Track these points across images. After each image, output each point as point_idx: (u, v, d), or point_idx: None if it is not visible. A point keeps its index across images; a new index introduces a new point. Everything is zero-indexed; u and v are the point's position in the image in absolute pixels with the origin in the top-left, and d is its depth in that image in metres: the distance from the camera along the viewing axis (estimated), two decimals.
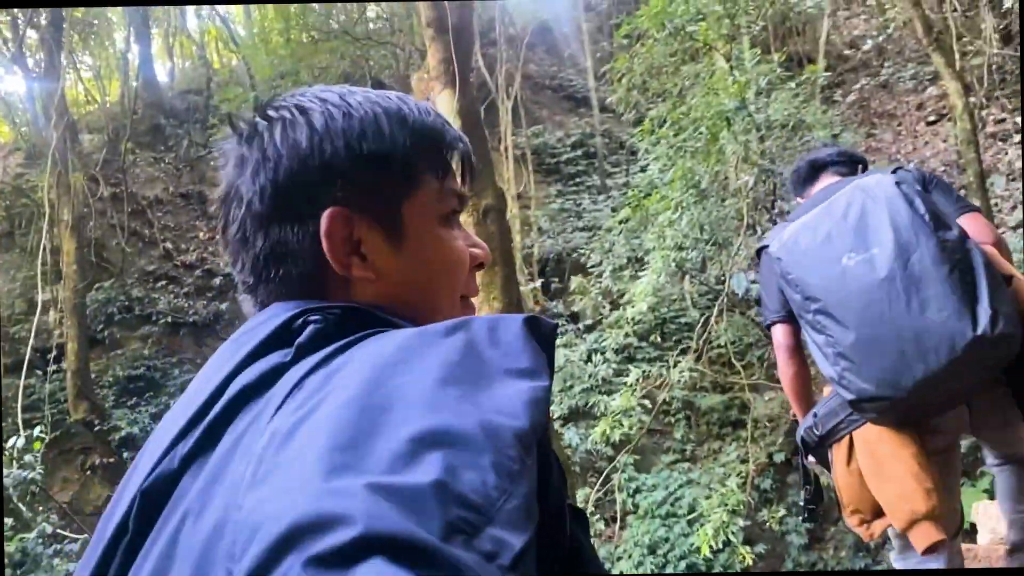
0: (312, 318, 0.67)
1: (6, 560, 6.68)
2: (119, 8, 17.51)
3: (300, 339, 0.65)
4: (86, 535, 8.35)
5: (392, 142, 0.81)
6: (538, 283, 12.53)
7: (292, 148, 0.78)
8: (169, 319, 13.84)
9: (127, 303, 13.75)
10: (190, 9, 19.53)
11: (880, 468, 2.15)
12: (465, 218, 5.38)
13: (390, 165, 0.81)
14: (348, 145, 0.78)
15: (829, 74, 11.94)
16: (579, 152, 15.87)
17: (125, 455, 11.63)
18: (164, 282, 14.63)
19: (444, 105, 5.47)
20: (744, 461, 9.73)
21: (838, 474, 2.29)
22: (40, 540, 6.90)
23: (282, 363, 0.63)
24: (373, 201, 0.79)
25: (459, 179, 0.88)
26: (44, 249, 12.19)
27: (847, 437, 2.27)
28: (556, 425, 10.37)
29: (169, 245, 15.42)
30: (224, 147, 0.84)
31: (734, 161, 7.49)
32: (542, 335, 0.62)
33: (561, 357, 10.09)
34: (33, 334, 11.35)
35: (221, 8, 18.03)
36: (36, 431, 7.21)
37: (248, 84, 15.75)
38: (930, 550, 2.06)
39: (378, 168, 0.80)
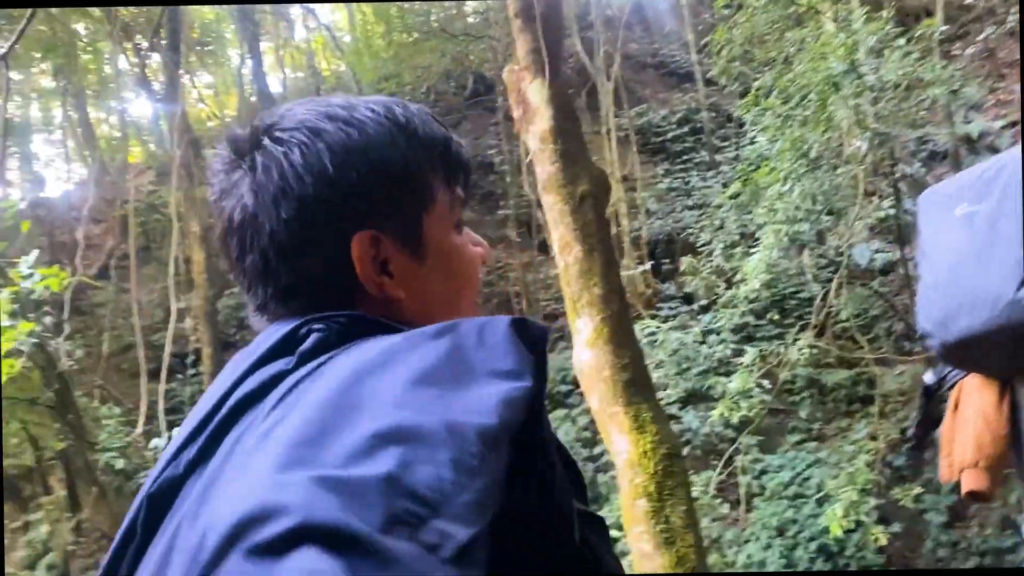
0: (316, 327, 0.69)
1: None
2: (231, 27, 18.37)
3: (303, 347, 0.67)
4: None
5: (407, 157, 0.80)
6: (648, 266, 12.36)
7: (318, 175, 0.75)
8: None
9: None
10: (298, 21, 20.28)
11: (961, 412, 2.20)
12: (561, 206, 5.36)
13: (409, 181, 0.81)
14: (370, 165, 0.77)
15: (947, 27, 11.17)
16: (685, 129, 15.53)
17: None
18: None
19: (536, 95, 5.46)
20: (874, 438, 9.33)
21: (944, 420, 2.28)
22: None
23: (283, 370, 0.65)
24: (396, 220, 0.80)
25: (465, 178, 0.90)
26: (176, 260, 12.98)
27: (958, 384, 2.29)
28: (674, 409, 10.22)
29: None
30: (230, 174, 0.81)
31: (845, 127, 7.14)
32: (531, 337, 0.63)
33: (674, 340, 9.92)
34: (170, 341, 12.11)
35: (325, 18, 18.64)
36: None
37: (355, 89, 16.21)
38: (973, 496, 2.11)
39: (398, 186, 0.80)
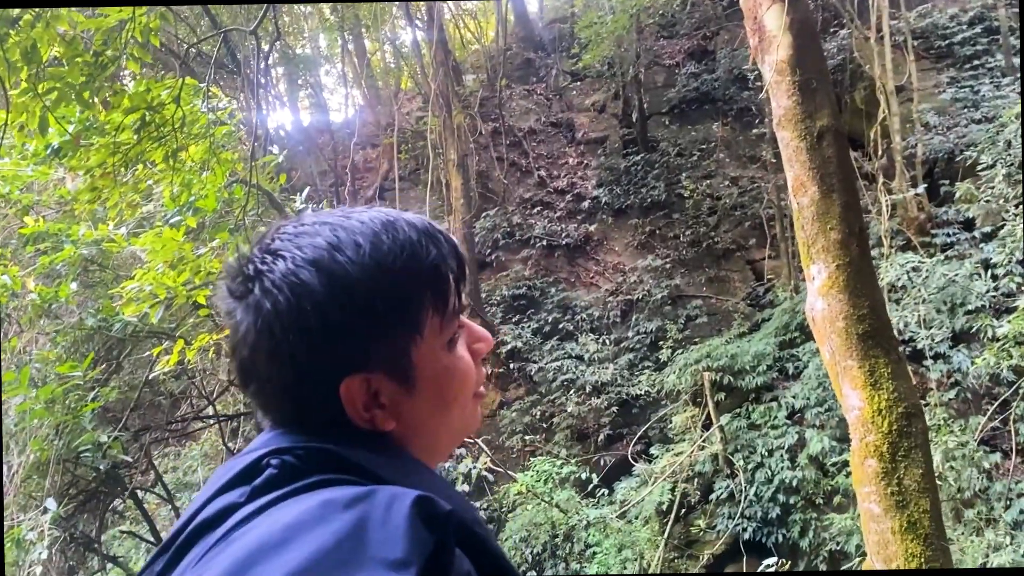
0: (272, 461, 0.76)
1: None
2: None
3: (255, 482, 0.75)
4: (478, 439, 9.59)
5: (400, 291, 0.84)
6: (921, 188, 11.17)
7: (303, 331, 0.80)
8: (545, 242, 14.95)
9: (509, 229, 15.12)
10: None
11: None
12: (797, 143, 5.02)
13: (394, 318, 0.84)
14: (355, 310, 0.81)
15: None
16: (977, 29, 13.59)
17: (512, 366, 13.02)
18: (539, 208, 15.78)
19: (773, 21, 5.09)
20: None
21: None
22: None
23: (235, 503, 0.74)
24: (384, 356, 0.84)
25: (456, 296, 0.90)
26: (435, 185, 13.86)
27: None
28: (943, 348, 9.33)
29: (543, 173, 16.51)
30: (232, 315, 0.85)
31: None
32: (431, 516, 0.66)
33: (940, 275, 8.96)
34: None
35: None
36: None
37: (606, 7, 15.96)
38: None
39: (384, 326, 0.83)
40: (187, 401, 10.04)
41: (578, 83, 18.69)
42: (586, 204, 15.62)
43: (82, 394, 6.61)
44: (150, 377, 7.51)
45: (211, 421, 9.64)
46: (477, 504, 10.30)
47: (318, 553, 0.61)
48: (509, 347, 13.02)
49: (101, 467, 7.25)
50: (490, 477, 9.61)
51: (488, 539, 0.76)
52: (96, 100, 4.77)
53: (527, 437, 12.08)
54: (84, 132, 5.23)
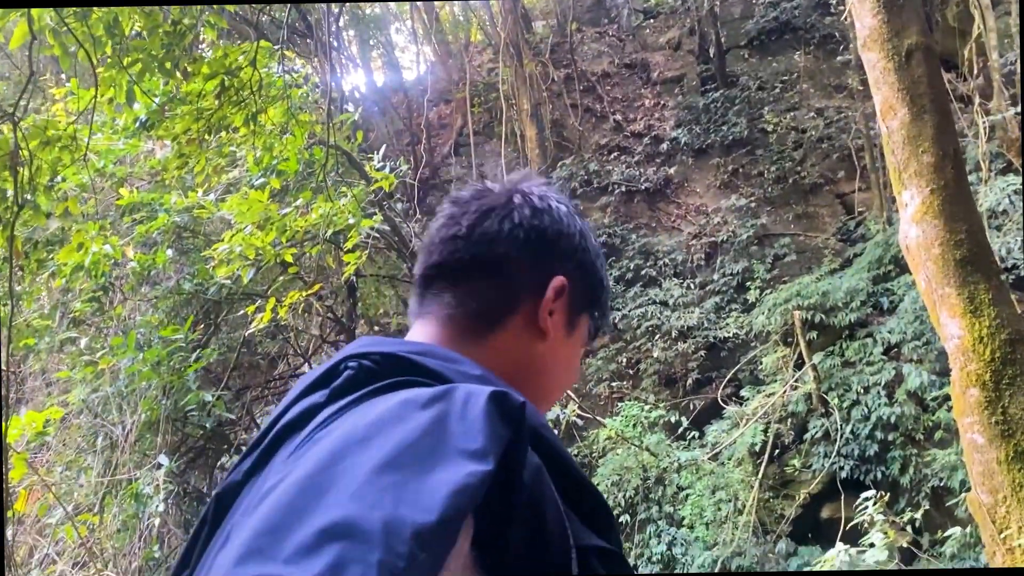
0: (350, 364, 0.81)
1: None
2: None
3: (334, 383, 0.80)
4: None
5: (593, 260, 1.08)
6: (1021, 107, 10.50)
7: (554, 217, 1.04)
8: (623, 188, 14.74)
9: (586, 177, 14.95)
10: None
11: None
12: (885, 63, 4.79)
13: (588, 278, 1.05)
14: (588, 249, 1.07)
15: None
16: None
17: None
18: (616, 153, 15.53)
19: None
20: None
21: None
22: None
23: (317, 403, 0.79)
24: (574, 293, 1.03)
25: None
26: (512, 136, 13.80)
27: None
28: None
29: (619, 117, 16.21)
30: (481, 203, 1.04)
31: None
32: (507, 410, 0.69)
33: None
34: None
35: None
36: None
37: None
38: None
39: (584, 274, 1.05)
40: (283, 360, 10.42)
41: (651, 21, 18.18)
42: (664, 146, 15.28)
43: (185, 356, 6.94)
44: (247, 336, 7.82)
45: None
46: (569, 450, 10.40)
47: (402, 445, 0.64)
48: None
49: (207, 425, 7.63)
50: (579, 423, 9.67)
51: (554, 441, 0.79)
52: (178, 70, 4.91)
53: (614, 384, 12.08)
54: (168, 103, 5.41)
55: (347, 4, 15.43)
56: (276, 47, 5.81)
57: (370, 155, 7.78)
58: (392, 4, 23.20)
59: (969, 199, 4.87)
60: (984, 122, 10.19)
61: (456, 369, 0.83)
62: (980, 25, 11.26)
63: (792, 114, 14.58)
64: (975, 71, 11.48)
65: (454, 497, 0.60)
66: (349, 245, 5.53)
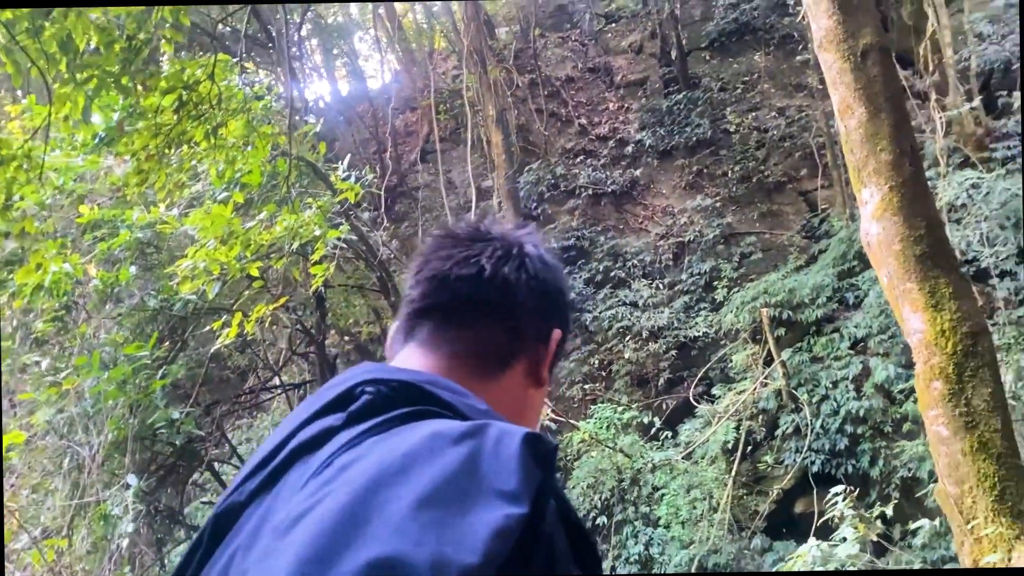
0: (368, 389, 0.81)
1: None
2: None
3: (352, 407, 0.79)
4: None
5: (570, 317, 1.17)
6: (977, 101, 10.73)
7: (557, 274, 1.14)
8: (590, 191, 14.81)
9: (553, 180, 15.00)
10: None
11: None
12: (841, 64, 4.86)
13: (567, 334, 1.11)
14: (569, 299, 1.14)
15: None
16: None
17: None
18: (582, 156, 15.60)
19: None
20: None
21: None
22: None
23: (334, 426, 0.78)
24: (560, 346, 1.09)
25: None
26: (479, 142, 13.80)
27: None
28: (1009, 264, 9.03)
29: (584, 120, 16.29)
30: (471, 247, 1.08)
31: None
32: (540, 453, 0.70)
33: (1002, 190, 8.64)
34: (476, 217, 13.10)
35: None
36: None
37: None
38: None
39: (566, 329, 1.11)
40: (254, 373, 10.32)
41: (613, 25, 18.31)
42: (630, 149, 15.39)
43: (151, 373, 6.85)
44: (214, 352, 7.74)
45: (278, 391, 9.90)
46: None
47: (439, 480, 0.64)
48: None
49: (177, 442, 7.53)
50: (553, 427, 9.69)
51: (559, 485, 0.79)
52: (135, 85, 4.85)
53: (587, 386, 12.12)
54: (127, 118, 5.33)
55: (309, 14, 15.34)
56: (235, 59, 5.76)
57: (335, 165, 7.74)
58: (355, 13, 23.12)
59: (927, 195, 4.95)
60: (941, 118, 10.39)
61: (465, 402, 0.85)
62: (934, 23, 11.49)
63: (754, 114, 14.75)
64: (931, 68, 11.69)
65: (495, 539, 0.61)
66: (316, 257, 5.50)
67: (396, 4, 21.31)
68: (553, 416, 9.11)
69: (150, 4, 4.69)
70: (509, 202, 13.21)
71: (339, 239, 5.63)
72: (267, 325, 7.61)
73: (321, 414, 0.82)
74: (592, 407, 11.46)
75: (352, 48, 22.56)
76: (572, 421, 10.26)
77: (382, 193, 11.90)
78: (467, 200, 14.87)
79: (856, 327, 9.77)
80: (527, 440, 0.69)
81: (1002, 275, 8.91)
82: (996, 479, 4.40)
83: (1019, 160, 10.06)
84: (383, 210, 11.38)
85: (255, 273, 5.59)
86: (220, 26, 11.70)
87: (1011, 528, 4.33)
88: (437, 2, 18.68)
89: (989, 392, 4.51)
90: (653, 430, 10.59)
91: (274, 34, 13.37)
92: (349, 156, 7.07)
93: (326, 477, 0.69)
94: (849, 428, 8.93)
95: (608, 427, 10.36)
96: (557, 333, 1.08)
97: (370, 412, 0.77)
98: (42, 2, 4.34)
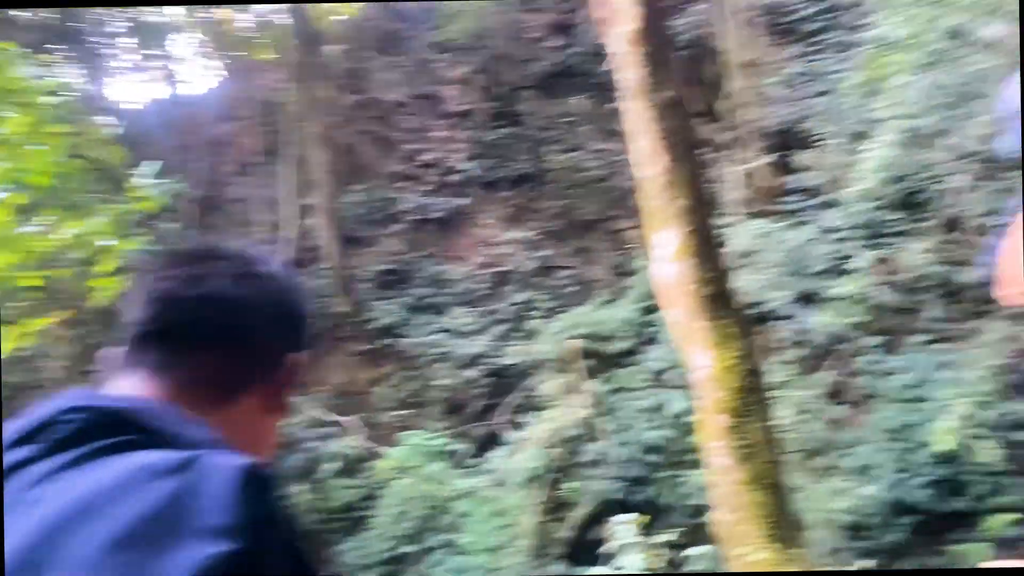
0: (72, 417, 0.74)
1: None
2: None
3: (57, 435, 0.73)
4: (344, 418, 9.47)
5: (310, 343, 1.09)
6: (770, 158, 11.77)
7: (298, 296, 1.09)
8: (415, 216, 14.82)
9: (377, 204, 14.88)
10: None
11: None
12: (645, 114, 5.16)
13: (305, 353, 1.07)
14: (304, 323, 1.09)
15: None
16: (819, 7, 14.33)
17: (384, 342, 12.89)
18: (408, 182, 15.58)
19: None
20: (1013, 340, 8.79)
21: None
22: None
23: (28, 457, 0.71)
24: (296, 370, 1.05)
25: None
26: (301, 159, 13.48)
27: None
28: (791, 308, 9.94)
29: (411, 146, 16.30)
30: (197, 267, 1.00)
31: (980, 10, 6.41)
32: (257, 484, 0.66)
33: (788, 239, 9.50)
34: (298, 237, 12.80)
35: None
36: None
37: None
38: None
39: (303, 349, 1.07)
40: (32, 391, 9.44)
41: (444, 55, 18.51)
42: (455, 177, 15.54)
43: None
44: None
45: None
46: (352, 482, 10.20)
47: (139, 519, 0.59)
48: (380, 323, 12.89)
49: None
50: (363, 454, 9.53)
51: (288, 512, 0.75)
52: None
53: (400, 412, 12.03)
54: None
55: (120, 10, 14.45)
56: (27, 49, 5.31)
57: (141, 171, 7.27)
58: (180, 14, 21.98)
59: (718, 241, 5.35)
60: (738, 170, 11.30)
61: (185, 431, 0.79)
62: (736, 83, 12.53)
63: (573, 154, 15.36)
64: (731, 123, 12.71)
65: None
66: (107, 268, 5.12)
67: (218, 10, 20.49)
68: (363, 444, 8.95)
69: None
70: (330, 222, 12.95)
71: (138, 250, 5.28)
72: (51, 340, 7.00)
73: (19, 443, 0.74)
74: (403, 434, 11.38)
75: (172, 51, 21.41)
76: (382, 449, 10.14)
77: (196, 204, 11.33)
78: (285, 217, 14.45)
79: (655, 360, 10.34)
80: (242, 471, 0.66)
81: (784, 317, 9.76)
82: (767, 508, 4.78)
83: (803, 213, 11.12)
84: (196, 222, 10.82)
85: (36, 283, 5.13)
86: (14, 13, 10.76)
87: (780, 554, 4.72)
88: (267, 9, 18.14)
89: (764, 426, 4.91)
90: (463, 457, 10.66)
91: (82, 29, 12.46)
92: (161, 163, 6.67)
93: (17, 514, 0.63)
94: (646, 457, 9.41)
95: (418, 454, 10.32)
96: (295, 358, 1.04)
97: (73, 442, 0.71)
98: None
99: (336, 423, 9.65)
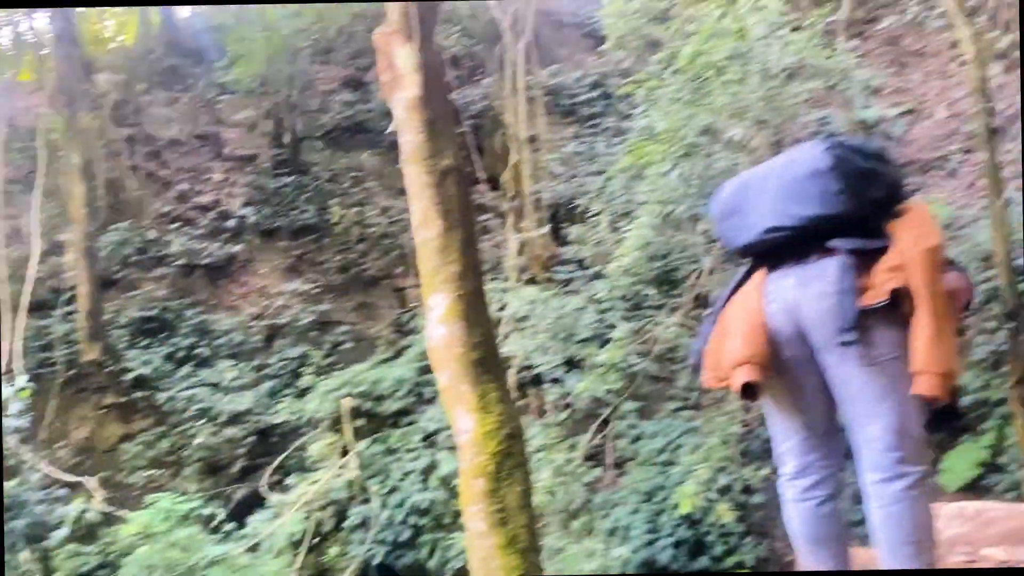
0: None
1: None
2: None
3: None
4: (84, 478, 8.61)
5: None
6: (546, 229, 12.37)
7: None
8: (183, 261, 13.98)
9: (142, 245, 13.90)
10: None
11: (726, 323, 2.39)
12: (425, 178, 5.25)
13: None
14: None
15: (836, 18, 11.18)
16: (596, 93, 15.44)
17: (138, 395, 11.90)
18: (179, 224, 14.72)
19: (404, 60, 5.28)
20: (749, 410, 9.63)
21: (709, 339, 2.53)
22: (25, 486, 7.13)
23: None
24: None
25: None
26: (58, 191, 12.36)
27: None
28: (558, 373, 10.37)
29: (185, 187, 15.46)
30: None
31: (727, 112, 7.20)
32: None
33: (555, 308, 9.97)
34: (47, 275, 11.62)
35: None
36: (23, 381, 7.38)
37: (258, 23, 15.54)
38: (747, 390, 2.22)
39: None
40: None
41: (228, 96, 17.87)
42: (231, 223, 14.89)
43: None
44: None
45: None
46: (86, 550, 9.20)
47: None
48: (135, 374, 11.92)
49: None
50: (100, 518, 8.66)
51: None
52: None
53: (152, 472, 11.11)
54: None
55: None
56: None
57: None
58: None
59: (485, 307, 5.48)
60: (516, 238, 11.76)
61: None
62: (518, 156, 13.12)
63: (359, 209, 15.28)
64: (512, 194, 13.25)
65: None
66: None
67: None
68: (103, 507, 8.15)
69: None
70: (84, 261, 11.89)
71: None
72: None
73: None
74: (151, 496, 10.50)
75: None
76: (123, 512, 9.28)
77: None
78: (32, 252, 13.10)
79: (429, 421, 10.35)
80: None
81: (551, 382, 10.17)
82: (521, 571, 4.87)
83: (574, 283, 11.74)
84: None
85: None
86: None
87: None
88: (27, 29, 16.66)
89: (521, 491, 5.02)
90: (217, 521, 10.00)
91: None
92: None
93: None
94: (413, 519, 9.32)
95: (166, 519, 9.54)
96: None
97: None
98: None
99: (73, 484, 8.70)
